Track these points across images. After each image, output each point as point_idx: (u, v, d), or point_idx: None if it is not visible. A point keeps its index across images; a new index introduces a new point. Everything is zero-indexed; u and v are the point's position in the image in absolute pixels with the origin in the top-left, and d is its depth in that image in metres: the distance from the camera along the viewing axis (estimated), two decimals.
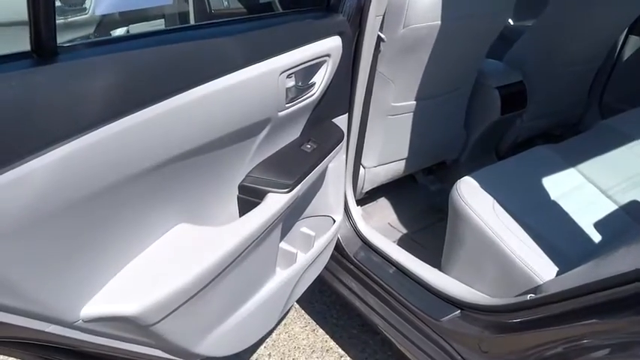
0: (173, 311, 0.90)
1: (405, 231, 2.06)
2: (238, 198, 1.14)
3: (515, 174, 1.67)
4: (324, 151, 1.24)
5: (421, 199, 2.26)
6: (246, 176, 1.14)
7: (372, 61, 1.54)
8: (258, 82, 1.00)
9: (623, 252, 1.08)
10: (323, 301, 2.02)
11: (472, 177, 1.60)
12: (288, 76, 1.07)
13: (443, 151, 2.18)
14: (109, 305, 0.85)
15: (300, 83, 1.15)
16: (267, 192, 1.11)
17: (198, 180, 1.00)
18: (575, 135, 2.18)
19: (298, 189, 1.14)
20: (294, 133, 1.25)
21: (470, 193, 1.53)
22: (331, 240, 1.55)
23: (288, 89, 1.09)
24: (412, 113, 1.87)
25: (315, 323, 1.93)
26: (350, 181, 1.69)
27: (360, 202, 2.11)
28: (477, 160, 2.31)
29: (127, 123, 0.76)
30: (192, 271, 0.92)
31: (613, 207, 1.61)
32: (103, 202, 0.78)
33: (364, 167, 1.89)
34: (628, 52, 2.41)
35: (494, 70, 2.14)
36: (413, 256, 1.63)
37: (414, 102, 1.84)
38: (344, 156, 1.50)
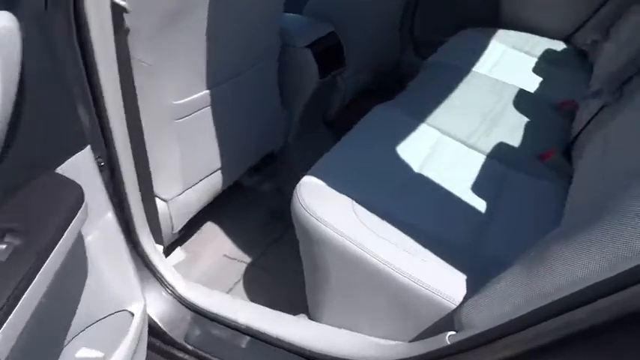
0: None
1: (247, 259, 1.55)
2: None
3: (364, 152, 1.25)
4: (45, 240, 0.63)
5: (255, 208, 1.76)
6: None
7: (120, 45, 0.95)
8: None
9: (559, 247, 0.72)
10: None
11: (313, 174, 1.15)
12: None
13: (265, 141, 1.70)
14: None
15: None
16: None
17: None
18: (398, 83, 1.88)
19: None
20: None
21: (317, 200, 1.07)
22: (138, 341, 0.97)
23: None
24: (210, 107, 1.34)
25: None
26: (146, 232, 1.11)
27: (179, 242, 1.54)
28: (306, 139, 1.88)
29: None
30: None
31: (481, 158, 1.31)
32: None
33: (165, 200, 1.31)
34: None
35: (299, 26, 1.69)
36: (269, 311, 1.13)
37: (207, 91, 1.30)
38: (109, 213, 0.90)
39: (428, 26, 2.28)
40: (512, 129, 1.41)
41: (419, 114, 1.41)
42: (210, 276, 1.49)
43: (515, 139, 1.37)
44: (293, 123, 1.79)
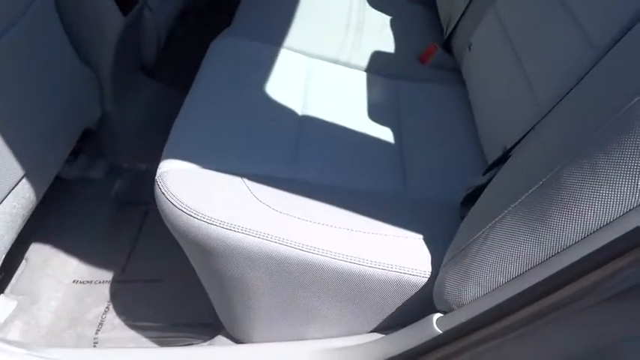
0: None
1: (108, 275, 1.18)
2: None
3: (226, 106, 0.95)
4: None
5: (93, 202, 1.35)
6: None
7: None
8: None
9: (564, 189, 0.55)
10: None
11: (172, 156, 0.83)
12: None
13: (74, 118, 1.25)
14: None
15: None
16: None
17: None
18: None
19: None
20: None
21: (191, 190, 0.77)
22: None
23: None
24: None
25: None
26: None
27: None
28: (127, 99, 1.46)
29: None
30: None
31: (362, 76, 1.11)
32: None
33: None
34: None
35: None
36: (169, 353, 0.84)
37: None
38: None
39: None
40: (380, 33, 1.21)
41: (272, 38, 1.12)
42: (66, 317, 1.10)
43: (387, 45, 1.18)
44: (104, 85, 1.35)
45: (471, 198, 0.77)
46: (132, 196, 1.35)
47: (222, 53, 1.07)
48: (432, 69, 1.14)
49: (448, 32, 1.15)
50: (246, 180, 0.79)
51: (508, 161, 0.72)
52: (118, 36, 1.27)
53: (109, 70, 1.33)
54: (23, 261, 1.19)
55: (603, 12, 0.69)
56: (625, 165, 0.49)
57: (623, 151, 0.50)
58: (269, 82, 0.99)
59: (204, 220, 0.72)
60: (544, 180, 0.57)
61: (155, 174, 0.80)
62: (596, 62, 0.66)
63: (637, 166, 0.49)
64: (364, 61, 1.12)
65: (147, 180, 1.12)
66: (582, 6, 0.75)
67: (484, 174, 0.77)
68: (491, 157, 0.85)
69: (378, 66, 1.11)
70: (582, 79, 0.66)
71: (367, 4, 1.30)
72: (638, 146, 0.49)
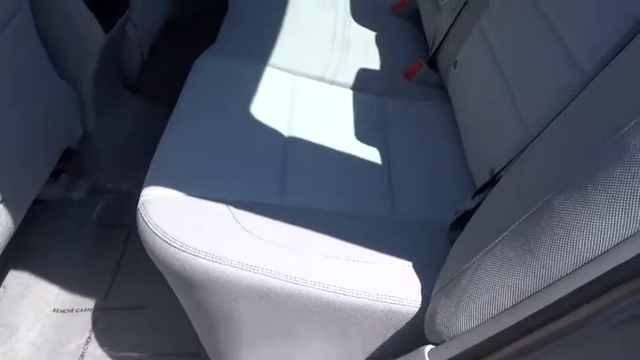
0: None
1: (90, 303, 1.15)
2: None
3: (211, 129, 0.92)
4: None
5: (74, 225, 1.31)
6: None
7: None
8: None
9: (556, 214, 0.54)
10: None
11: (155, 182, 0.81)
12: None
13: (55, 137, 1.22)
14: None
15: None
16: None
17: None
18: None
19: None
20: None
21: (174, 219, 0.75)
22: None
23: None
24: None
25: None
26: None
27: None
28: (109, 117, 1.43)
29: None
30: None
31: (347, 94, 1.09)
32: None
33: None
34: None
35: None
36: None
37: None
38: None
39: None
40: (365, 49, 1.20)
41: (257, 57, 1.10)
42: (46, 349, 1.07)
43: (373, 62, 1.17)
44: (86, 102, 1.32)
45: (460, 221, 0.76)
46: (115, 217, 1.32)
47: (205, 73, 1.04)
48: (417, 85, 1.13)
49: (433, 49, 1.14)
50: (231, 207, 0.76)
51: (497, 185, 0.71)
52: (98, 55, 1.25)
53: (91, 86, 1.30)
54: (1, 289, 1.15)
55: (590, 34, 0.68)
56: (616, 195, 0.48)
57: (613, 181, 0.49)
58: (254, 103, 0.97)
59: (189, 252, 0.70)
60: (534, 209, 0.56)
61: (139, 195, 0.78)
62: (583, 85, 0.66)
63: (628, 196, 0.48)
64: (350, 79, 1.11)
65: (130, 201, 1.10)
66: (567, 26, 0.74)
67: (473, 197, 0.75)
68: (479, 178, 0.84)
69: (364, 84, 1.10)
70: (571, 102, 0.65)
71: (352, 21, 1.29)
72: (628, 175, 0.48)
